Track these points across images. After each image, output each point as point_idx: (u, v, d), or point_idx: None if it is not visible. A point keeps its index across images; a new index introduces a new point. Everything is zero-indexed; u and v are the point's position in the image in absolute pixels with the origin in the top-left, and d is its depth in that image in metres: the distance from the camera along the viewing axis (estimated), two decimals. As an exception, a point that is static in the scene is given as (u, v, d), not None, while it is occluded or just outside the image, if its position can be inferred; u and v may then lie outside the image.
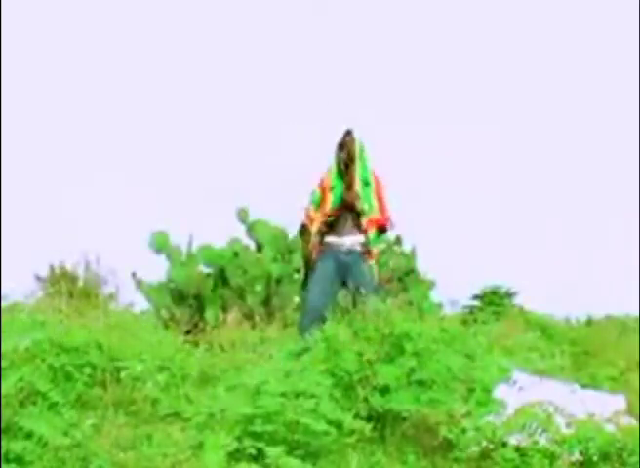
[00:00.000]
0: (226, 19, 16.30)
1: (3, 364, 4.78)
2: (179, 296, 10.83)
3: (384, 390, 5.29)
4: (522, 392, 5.34)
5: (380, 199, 7.03)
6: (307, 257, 7.10)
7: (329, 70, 15.88)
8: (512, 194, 16.15)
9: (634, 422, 5.10)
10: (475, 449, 4.97)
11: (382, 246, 11.12)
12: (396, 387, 5.28)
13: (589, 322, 13.56)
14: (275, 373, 5.06)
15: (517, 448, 4.91)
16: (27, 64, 15.46)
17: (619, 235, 13.81)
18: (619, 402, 5.49)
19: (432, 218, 12.13)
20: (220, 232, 11.12)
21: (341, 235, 6.96)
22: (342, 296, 7.10)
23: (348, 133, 7.03)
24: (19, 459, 4.32)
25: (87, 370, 5.26)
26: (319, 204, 7.02)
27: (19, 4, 14.75)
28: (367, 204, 6.96)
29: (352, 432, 4.92)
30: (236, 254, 10.91)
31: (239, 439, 4.60)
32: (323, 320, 6.21)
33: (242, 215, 11.15)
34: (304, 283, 7.14)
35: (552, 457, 4.88)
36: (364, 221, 6.94)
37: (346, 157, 6.98)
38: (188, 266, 10.92)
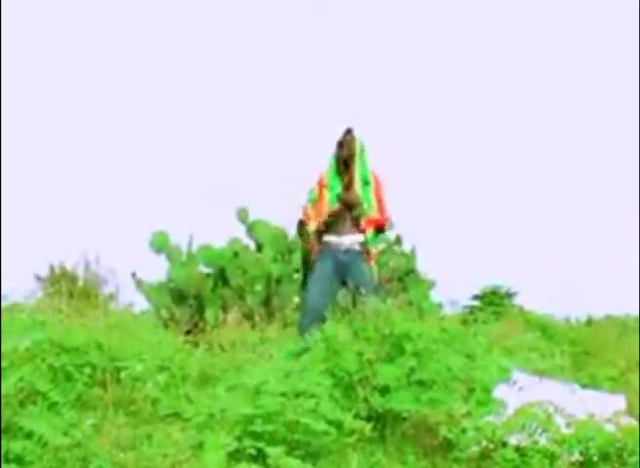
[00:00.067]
0: (227, 19, 16.31)
1: (3, 364, 4.78)
2: (179, 296, 10.83)
3: (384, 390, 5.29)
4: (522, 392, 5.34)
5: (379, 199, 7.03)
6: (306, 256, 7.10)
7: (329, 70, 15.89)
8: (512, 194, 16.15)
9: (634, 422, 5.10)
10: (475, 449, 4.97)
11: (383, 246, 11.14)
12: (396, 387, 5.28)
13: (589, 322, 13.56)
14: (275, 373, 5.06)
15: (517, 448, 4.91)
16: (27, 64, 15.47)
17: (619, 235, 13.82)
18: (619, 402, 5.49)
19: (432, 218, 12.14)
20: (220, 232, 11.13)
21: (340, 234, 6.95)
22: (342, 296, 7.10)
23: (349, 131, 7.03)
24: (19, 459, 4.32)
25: (87, 370, 5.26)
26: (316, 201, 7.02)
27: (19, 4, 14.76)
28: (366, 203, 6.96)
29: (352, 432, 4.92)
30: (236, 254, 10.91)
31: (239, 439, 4.60)
32: (323, 320, 6.21)
33: (242, 215, 11.15)
34: (303, 282, 7.14)
35: (552, 457, 4.88)
36: (363, 221, 6.94)
37: (346, 155, 6.98)
38: (188, 266, 10.92)
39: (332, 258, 6.92)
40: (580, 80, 16.24)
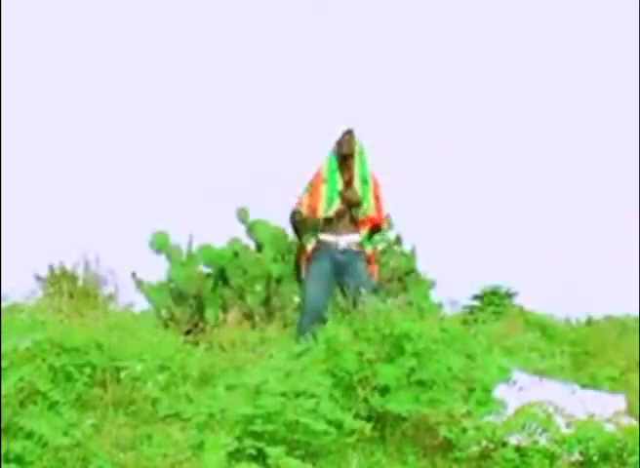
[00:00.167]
0: (227, 19, 16.31)
1: (3, 364, 4.77)
2: (179, 296, 10.83)
3: (384, 390, 5.29)
4: (522, 392, 5.34)
5: (377, 198, 7.03)
6: (298, 253, 7.10)
7: (329, 70, 15.88)
8: (512, 194, 16.15)
9: (634, 422, 5.10)
10: (475, 449, 4.97)
11: (383, 245, 11.15)
12: (396, 387, 5.28)
13: (589, 322, 13.55)
14: (275, 373, 5.06)
15: (517, 448, 4.91)
16: (27, 64, 15.47)
17: (619, 235, 13.81)
18: (619, 402, 5.49)
19: (432, 218, 12.14)
20: (220, 232, 11.13)
21: (338, 234, 6.95)
22: (343, 296, 7.09)
23: (348, 131, 7.04)
24: (19, 459, 4.32)
25: (87, 370, 5.25)
26: (311, 192, 7.01)
27: (18, 4, 14.76)
28: (365, 202, 6.96)
29: (352, 432, 4.92)
30: (236, 254, 10.92)
31: (239, 439, 4.60)
32: (323, 320, 6.22)
33: (242, 215, 11.15)
34: (296, 275, 7.13)
35: (552, 457, 4.88)
36: (360, 220, 6.94)
37: (346, 152, 6.98)
38: (188, 266, 10.93)
39: (329, 258, 6.91)
40: (579, 80, 16.24)
